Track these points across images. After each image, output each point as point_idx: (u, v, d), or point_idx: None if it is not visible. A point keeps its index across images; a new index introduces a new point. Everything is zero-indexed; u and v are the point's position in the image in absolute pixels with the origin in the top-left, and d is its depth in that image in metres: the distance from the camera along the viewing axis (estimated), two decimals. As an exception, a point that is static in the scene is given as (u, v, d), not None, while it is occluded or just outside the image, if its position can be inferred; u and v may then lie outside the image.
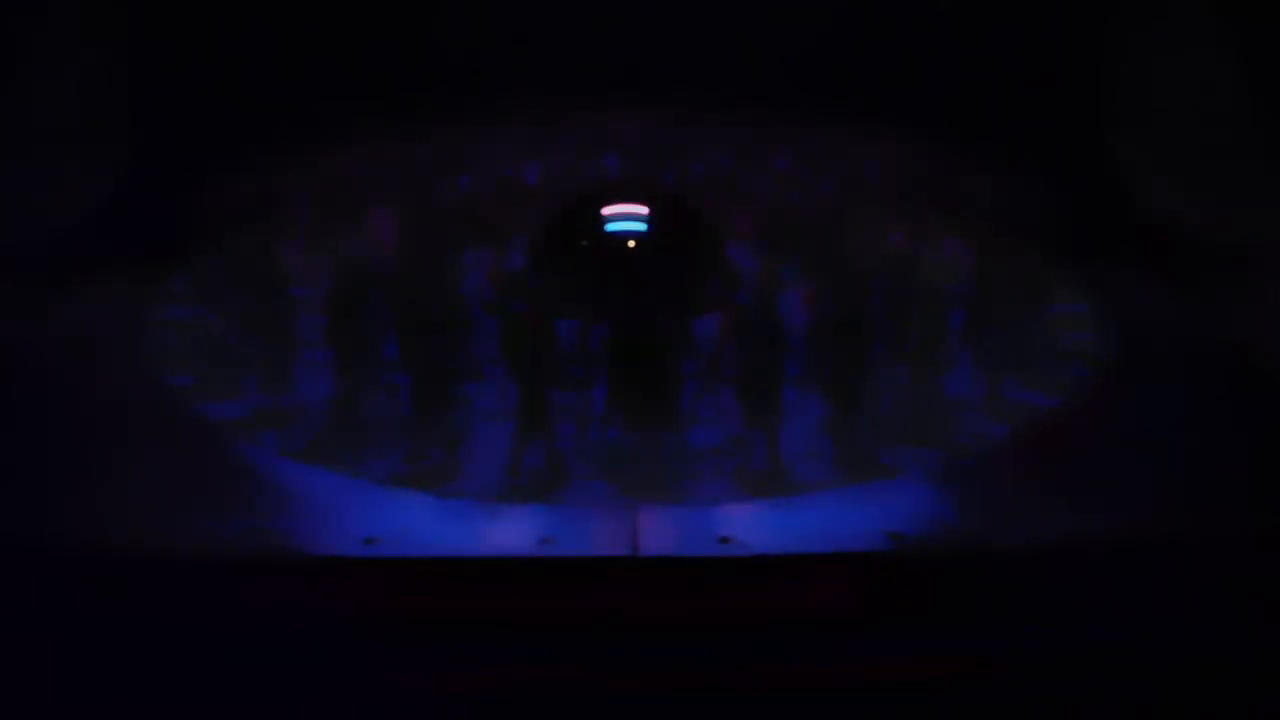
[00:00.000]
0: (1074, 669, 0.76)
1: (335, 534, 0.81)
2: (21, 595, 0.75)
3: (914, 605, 0.78)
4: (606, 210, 0.99)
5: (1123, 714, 0.76)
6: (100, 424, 0.86)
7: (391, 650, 0.76)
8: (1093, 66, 1.00)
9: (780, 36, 1.02)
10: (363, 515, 0.81)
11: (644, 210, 0.99)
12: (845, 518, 0.82)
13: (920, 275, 0.99)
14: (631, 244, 0.99)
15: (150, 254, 0.97)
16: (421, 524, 0.81)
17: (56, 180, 0.96)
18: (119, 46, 0.95)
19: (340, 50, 0.97)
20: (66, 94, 0.96)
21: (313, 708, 0.75)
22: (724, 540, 0.80)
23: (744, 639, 0.76)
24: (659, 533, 0.81)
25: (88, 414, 0.87)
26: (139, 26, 0.95)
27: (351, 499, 0.83)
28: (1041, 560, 0.78)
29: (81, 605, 0.76)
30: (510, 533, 0.81)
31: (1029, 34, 0.99)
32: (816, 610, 0.77)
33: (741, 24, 1.03)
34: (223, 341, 0.95)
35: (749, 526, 0.81)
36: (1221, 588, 0.77)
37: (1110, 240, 0.99)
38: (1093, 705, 0.75)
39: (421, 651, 0.76)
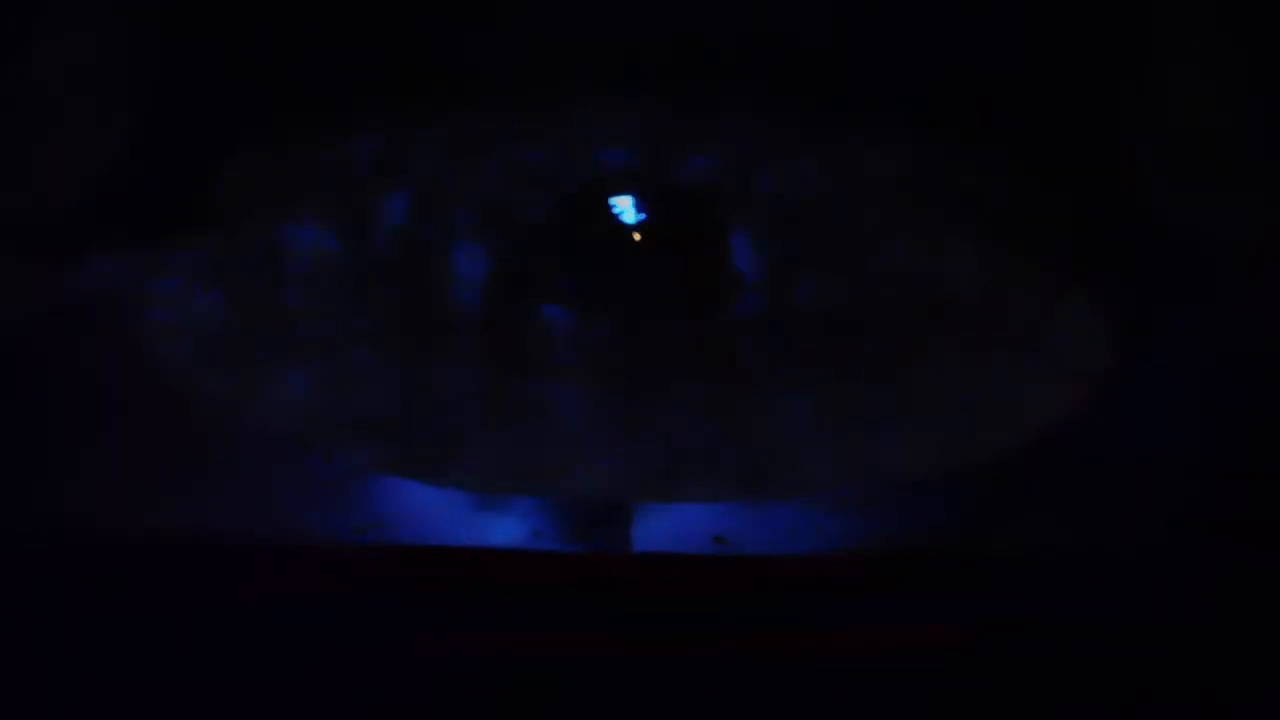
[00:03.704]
0: (1071, 666, 0.76)
1: (325, 520, 0.80)
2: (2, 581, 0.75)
3: (907, 608, 0.77)
4: (612, 200, 0.99)
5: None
6: (89, 404, 0.86)
7: (380, 635, 0.75)
8: (1103, 67, 1.00)
9: (790, 30, 1.02)
10: (354, 502, 0.81)
11: (649, 202, 0.99)
12: (844, 520, 0.81)
13: (927, 275, 0.98)
14: (636, 236, 0.98)
15: (150, 232, 0.96)
16: (413, 513, 0.81)
17: (58, 156, 0.95)
18: (125, 19, 0.95)
19: (346, 31, 0.97)
20: (71, 70, 0.96)
21: (298, 692, 0.75)
22: (719, 540, 0.80)
23: (732, 635, 0.76)
24: (653, 530, 0.80)
25: (76, 393, 0.86)
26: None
27: (343, 486, 0.82)
28: (1038, 566, 0.78)
29: (62, 590, 0.75)
30: (502, 525, 0.80)
31: (1040, 33, 0.99)
32: (806, 609, 0.77)
33: (751, 16, 1.02)
34: (220, 323, 0.95)
35: (744, 526, 0.80)
36: (1219, 588, 0.77)
37: (1118, 242, 0.99)
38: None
39: (411, 637, 0.76)
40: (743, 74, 1.06)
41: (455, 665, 0.75)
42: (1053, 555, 0.78)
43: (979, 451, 0.86)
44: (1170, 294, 0.95)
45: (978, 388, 0.92)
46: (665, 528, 0.80)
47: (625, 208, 0.99)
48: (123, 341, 0.91)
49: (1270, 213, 0.96)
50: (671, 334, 0.93)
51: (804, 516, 0.81)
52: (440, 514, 0.81)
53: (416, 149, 1.03)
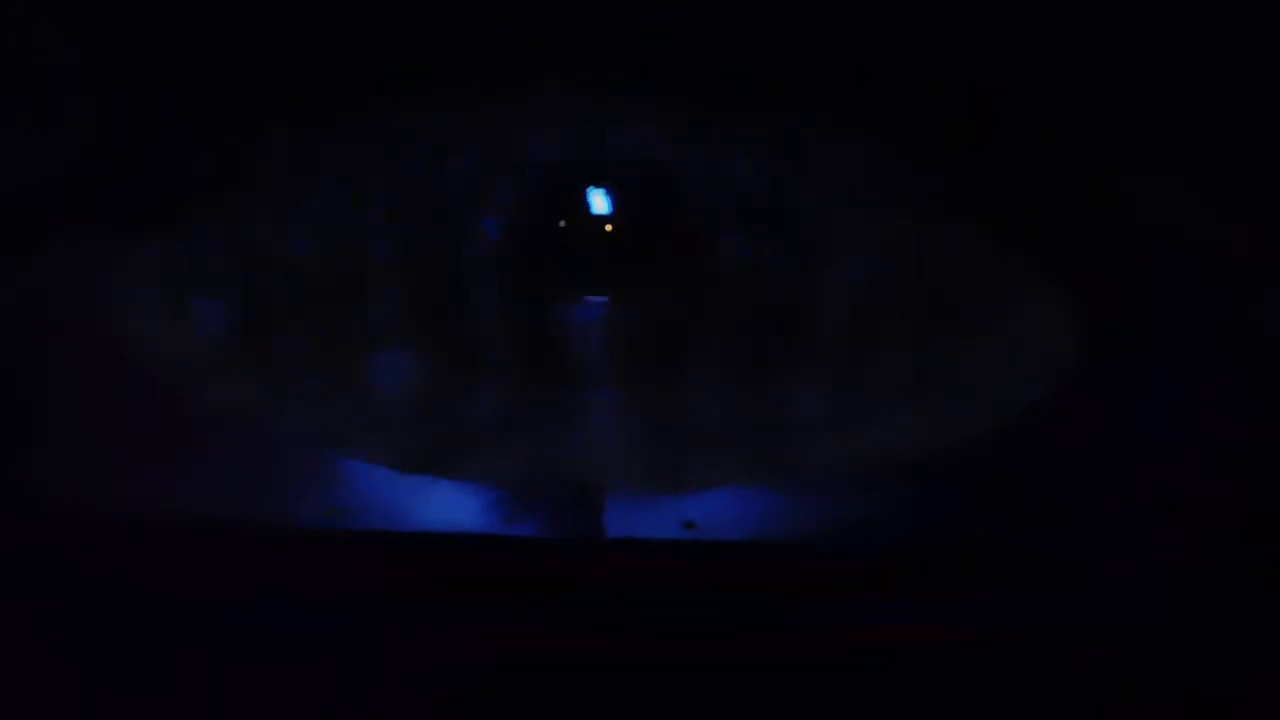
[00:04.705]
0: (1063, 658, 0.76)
1: (296, 504, 0.80)
2: None
3: (880, 598, 0.78)
4: (588, 191, 0.99)
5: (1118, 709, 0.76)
6: (61, 386, 0.85)
7: (350, 622, 0.75)
8: (1091, 62, 1.00)
9: (767, 28, 1.02)
10: (325, 486, 0.81)
11: (627, 193, 0.99)
12: (816, 506, 0.81)
13: (898, 272, 0.98)
14: (609, 227, 0.98)
15: (124, 218, 0.96)
16: (384, 497, 0.81)
17: (33, 138, 0.95)
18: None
19: (334, 21, 0.97)
20: (49, 50, 0.95)
21: (266, 679, 0.75)
22: (689, 525, 0.80)
23: (703, 623, 0.76)
24: (623, 515, 0.80)
25: (48, 377, 0.86)
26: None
27: (314, 470, 0.82)
28: (1028, 566, 0.78)
29: (31, 574, 0.75)
30: (472, 510, 0.80)
31: (1015, 30, 0.99)
32: (778, 597, 0.77)
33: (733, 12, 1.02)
34: (191, 307, 0.95)
35: (715, 512, 0.80)
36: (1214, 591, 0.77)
37: (1089, 241, 0.99)
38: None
39: (381, 624, 0.75)
40: (721, 68, 1.05)
41: (441, 666, 0.74)
42: (1043, 556, 0.78)
43: (968, 448, 0.87)
44: (1164, 292, 0.95)
45: (963, 385, 0.92)
46: (633, 513, 0.80)
47: (599, 199, 0.99)
48: (91, 325, 0.91)
49: (1262, 212, 0.96)
50: (642, 320, 0.93)
51: (774, 502, 0.82)
52: (410, 498, 0.81)
53: (402, 140, 1.03)
